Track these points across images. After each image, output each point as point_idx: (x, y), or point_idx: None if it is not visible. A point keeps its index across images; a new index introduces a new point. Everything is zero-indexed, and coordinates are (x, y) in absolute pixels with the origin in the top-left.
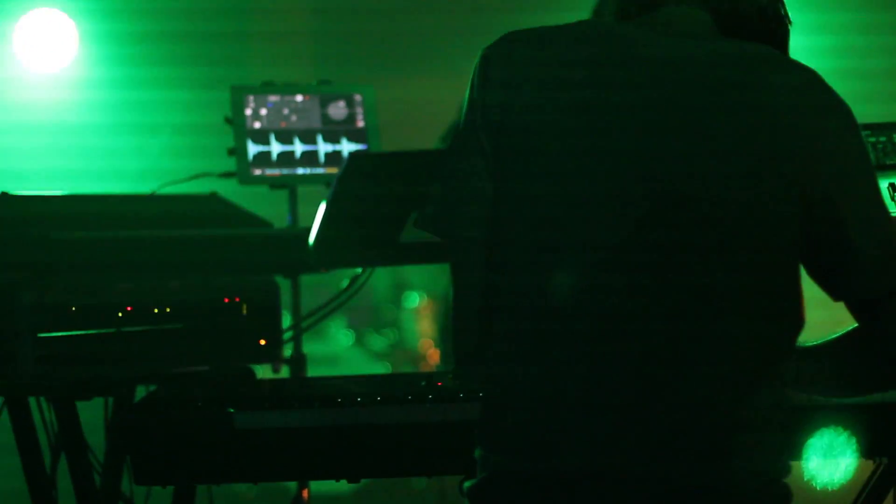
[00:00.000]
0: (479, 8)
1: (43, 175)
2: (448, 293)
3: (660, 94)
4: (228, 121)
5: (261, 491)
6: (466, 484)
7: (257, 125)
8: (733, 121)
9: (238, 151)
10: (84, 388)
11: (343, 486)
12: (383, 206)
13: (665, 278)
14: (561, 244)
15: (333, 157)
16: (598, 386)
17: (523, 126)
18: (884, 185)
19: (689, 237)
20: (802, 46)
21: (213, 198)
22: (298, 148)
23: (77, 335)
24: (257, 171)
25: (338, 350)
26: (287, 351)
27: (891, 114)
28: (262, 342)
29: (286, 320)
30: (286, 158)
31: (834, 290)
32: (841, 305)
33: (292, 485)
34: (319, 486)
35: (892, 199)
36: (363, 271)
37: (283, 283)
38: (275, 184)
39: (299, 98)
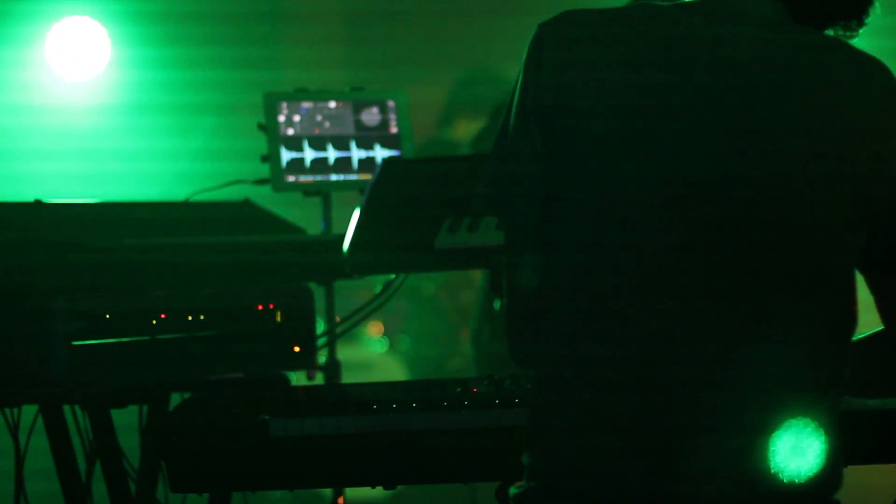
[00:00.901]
0: (513, 12)
1: (77, 182)
2: (485, 293)
3: (718, 84)
4: (262, 127)
5: (295, 498)
6: (512, 490)
7: (291, 132)
8: (797, 118)
9: (271, 158)
10: (119, 396)
11: (378, 492)
12: (417, 211)
13: (720, 286)
14: (612, 246)
15: (367, 164)
16: (650, 401)
17: (576, 110)
18: None
19: (747, 242)
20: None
21: (246, 204)
22: (332, 154)
23: (111, 342)
24: (291, 178)
25: (371, 356)
26: (321, 357)
27: None
28: (297, 349)
29: (320, 327)
30: (320, 165)
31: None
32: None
33: (327, 491)
34: (354, 493)
35: None
36: (396, 277)
37: (317, 290)
38: (308, 190)
39: (332, 104)
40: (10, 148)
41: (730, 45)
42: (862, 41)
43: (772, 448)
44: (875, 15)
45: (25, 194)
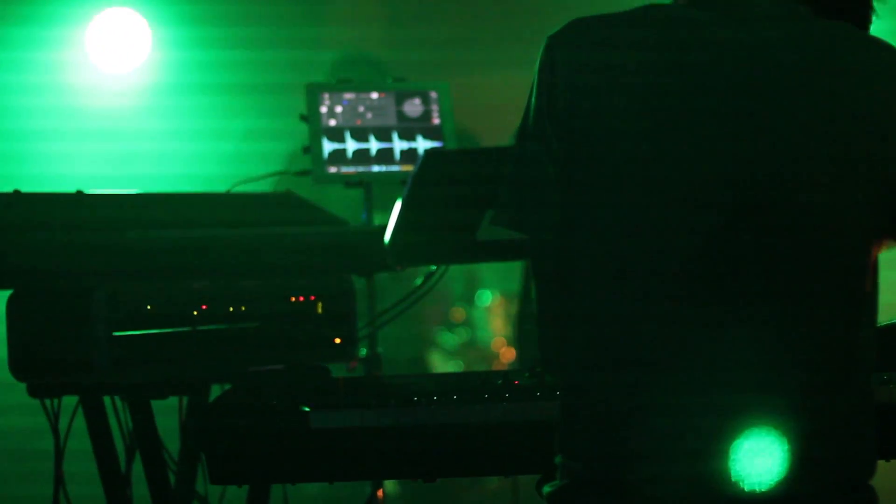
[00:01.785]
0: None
1: (117, 175)
2: (525, 295)
3: (735, 82)
4: (304, 118)
5: (333, 489)
6: (546, 488)
7: (332, 123)
8: (816, 115)
9: (313, 149)
10: (159, 388)
11: (418, 484)
12: (459, 203)
13: (746, 285)
14: (634, 252)
15: (409, 155)
16: (678, 395)
17: (594, 128)
18: None
19: (769, 242)
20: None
21: (288, 196)
22: (374, 145)
23: (152, 334)
24: (332, 169)
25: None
26: (362, 350)
27: None
28: (337, 341)
29: (361, 318)
30: (361, 156)
31: None
32: None
33: (366, 483)
34: (393, 485)
35: None
36: (437, 269)
37: (358, 282)
38: (350, 181)
39: (374, 95)
40: (52, 137)
41: (742, 42)
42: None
43: (732, 453)
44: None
45: (67, 185)
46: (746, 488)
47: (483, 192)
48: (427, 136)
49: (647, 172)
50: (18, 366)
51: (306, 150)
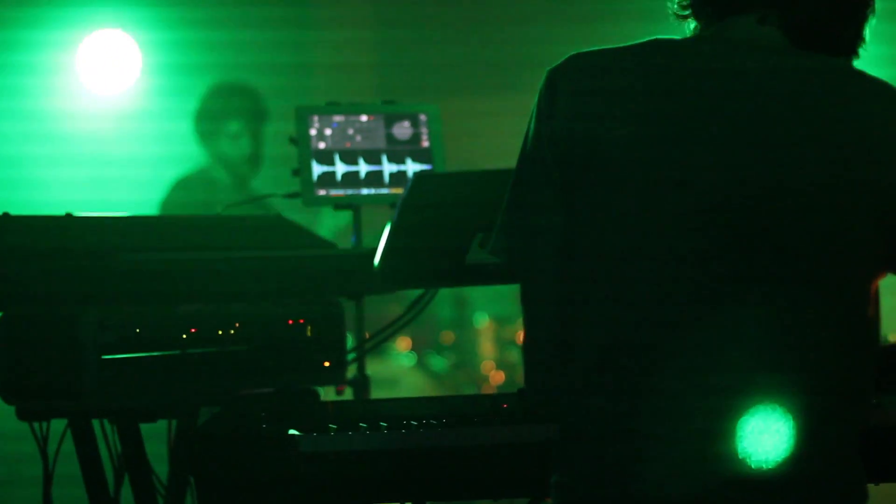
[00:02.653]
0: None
1: (107, 192)
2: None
3: (731, 108)
4: (293, 141)
5: None
6: None
7: (322, 145)
8: (810, 142)
9: (302, 172)
10: (148, 410)
11: None
12: (449, 226)
13: (743, 303)
14: (635, 271)
15: (398, 178)
16: (675, 413)
17: (593, 149)
18: None
19: (766, 259)
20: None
21: (277, 219)
22: (363, 168)
23: (141, 358)
24: (322, 192)
25: (399, 371)
26: (350, 372)
27: None
28: (327, 364)
29: (349, 341)
30: (351, 179)
31: None
32: None
33: None
34: None
35: None
36: (426, 292)
37: (347, 304)
38: (339, 204)
39: (364, 118)
40: (42, 158)
41: (741, 72)
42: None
43: (737, 432)
44: (867, 49)
45: (57, 205)
46: (752, 467)
47: (473, 216)
48: (416, 159)
49: (645, 198)
50: (7, 389)
51: (295, 172)
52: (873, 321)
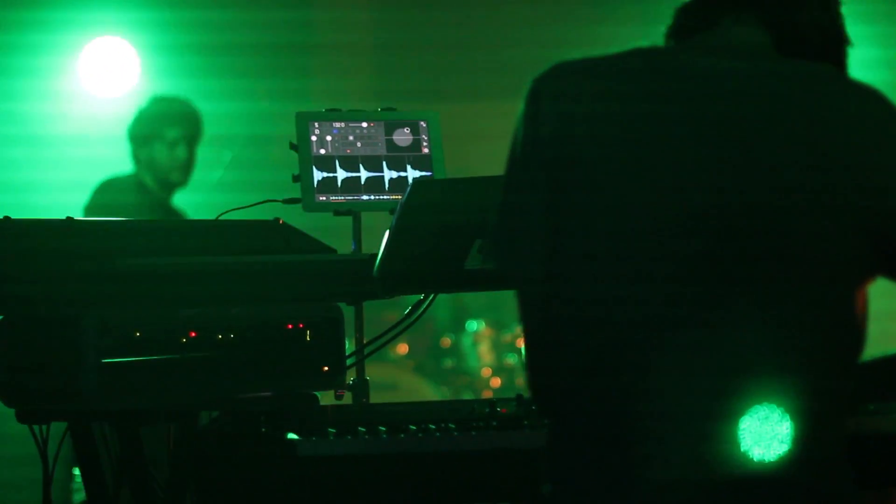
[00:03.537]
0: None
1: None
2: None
3: (716, 113)
4: (293, 147)
5: None
6: None
7: (322, 151)
8: (794, 148)
9: (302, 177)
10: (148, 414)
11: None
12: (448, 232)
13: (724, 290)
14: (621, 274)
15: (398, 184)
16: (667, 415)
17: (578, 155)
18: None
19: (745, 249)
20: (858, 58)
21: (277, 224)
22: (363, 174)
23: (141, 361)
24: (322, 198)
25: (398, 376)
26: (350, 377)
27: None
28: (326, 368)
29: (348, 346)
30: (351, 185)
31: None
32: None
33: None
34: None
35: None
36: (425, 297)
37: (346, 309)
38: (339, 210)
39: (364, 125)
40: (43, 163)
41: (726, 75)
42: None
43: (735, 432)
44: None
45: (58, 211)
46: (746, 469)
47: (472, 222)
48: (416, 166)
49: (631, 200)
50: (7, 392)
51: (296, 178)
52: (861, 325)
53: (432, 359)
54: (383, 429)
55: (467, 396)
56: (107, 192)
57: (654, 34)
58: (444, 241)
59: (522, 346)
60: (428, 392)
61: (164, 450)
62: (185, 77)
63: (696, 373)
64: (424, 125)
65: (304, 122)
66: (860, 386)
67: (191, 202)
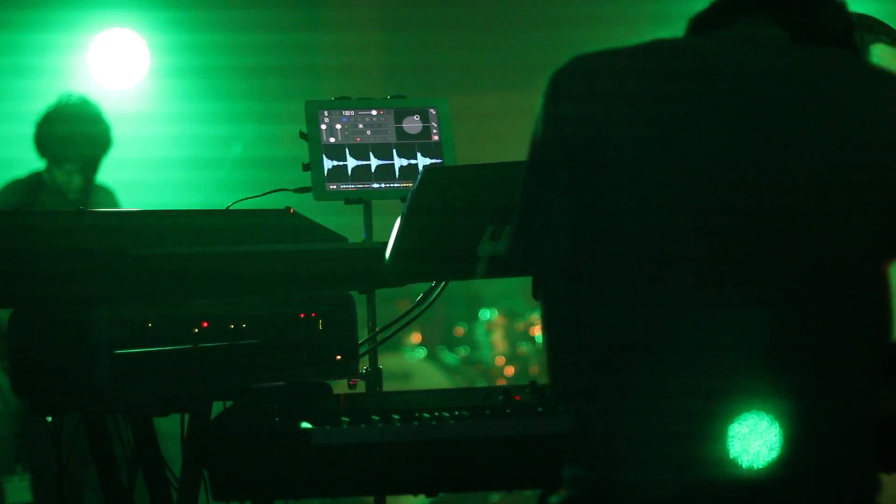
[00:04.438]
0: (553, 20)
1: (119, 190)
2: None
3: (738, 103)
4: (303, 136)
5: None
6: (553, 499)
7: (332, 140)
8: (816, 129)
9: (313, 166)
10: (161, 405)
11: (420, 499)
12: (459, 219)
13: (752, 291)
14: (646, 264)
15: (408, 172)
16: (688, 404)
17: (598, 150)
18: None
19: (773, 249)
20: None
21: (288, 212)
22: (373, 162)
23: (154, 351)
24: (332, 186)
25: (411, 365)
26: (363, 366)
27: None
28: (339, 357)
29: (361, 335)
30: (361, 173)
31: None
32: None
33: (369, 498)
34: (396, 500)
35: None
36: (436, 285)
37: (358, 298)
38: (350, 198)
39: (374, 113)
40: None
41: (742, 67)
42: None
43: (723, 434)
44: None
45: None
46: (737, 471)
47: (483, 209)
48: (426, 153)
49: (653, 197)
50: (21, 383)
51: (306, 167)
52: (885, 309)
53: (445, 347)
54: (397, 417)
55: (481, 385)
56: (6, 194)
57: (669, 34)
58: (456, 229)
59: (545, 346)
60: (441, 381)
61: (178, 446)
62: (194, 75)
63: (690, 371)
64: (434, 112)
65: (313, 111)
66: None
67: (201, 192)
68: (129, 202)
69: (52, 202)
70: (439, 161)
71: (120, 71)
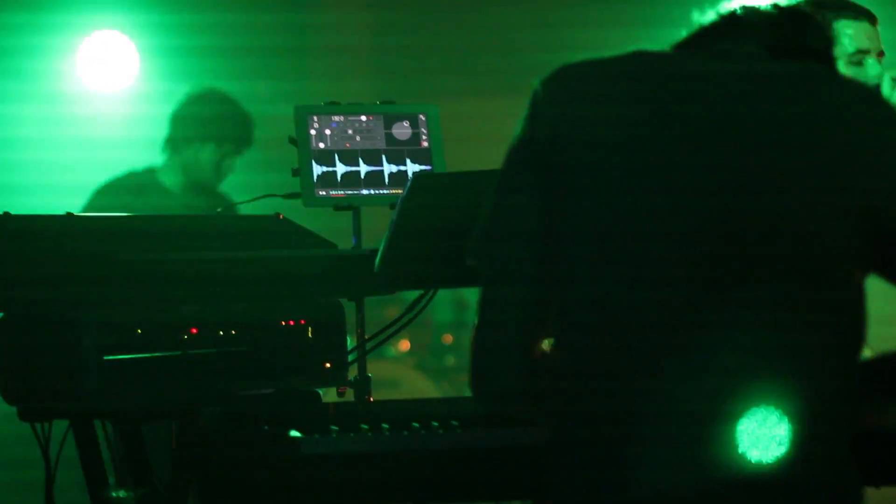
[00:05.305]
0: (543, 25)
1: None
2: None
3: (713, 114)
4: (292, 141)
5: None
6: None
7: (321, 146)
8: (784, 135)
9: (302, 172)
10: (149, 411)
11: None
12: (449, 226)
13: (722, 293)
14: (620, 278)
15: (398, 178)
16: (669, 416)
17: (574, 158)
18: None
19: (744, 251)
20: None
21: (277, 218)
22: (363, 168)
23: (143, 357)
24: (322, 192)
25: (400, 373)
26: (351, 373)
27: None
28: (328, 365)
29: (350, 342)
30: (351, 179)
31: None
32: None
33: None
34: None
35: None
36: (426, 292)
37: (347, 305)
38: (339, 205)
39: (363, 118)
40: (41, 158)
41: (723, 76)
42: None
43: (732, 435)
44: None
45: (57, 206)
46: (745, 471)
47: (473, 216)
48: (416, 160)
49: (629, 203)
50: (9, 390)
51: (295, 172)
52: (862, 324)
53: (434, 355)
54: (386, 426)
55: (469, 393)
56: (107, 195)
57: (660, 36)
58: (445, 236)
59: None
60: (430, 389)
61: (167, 450)
62: (186, 71)
63: (696, 375)
64: (424, 119)
65: (302, 116)
66: (861, 386)
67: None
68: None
69: (161, 204)
70: (429, 168)
71: (109, 74)
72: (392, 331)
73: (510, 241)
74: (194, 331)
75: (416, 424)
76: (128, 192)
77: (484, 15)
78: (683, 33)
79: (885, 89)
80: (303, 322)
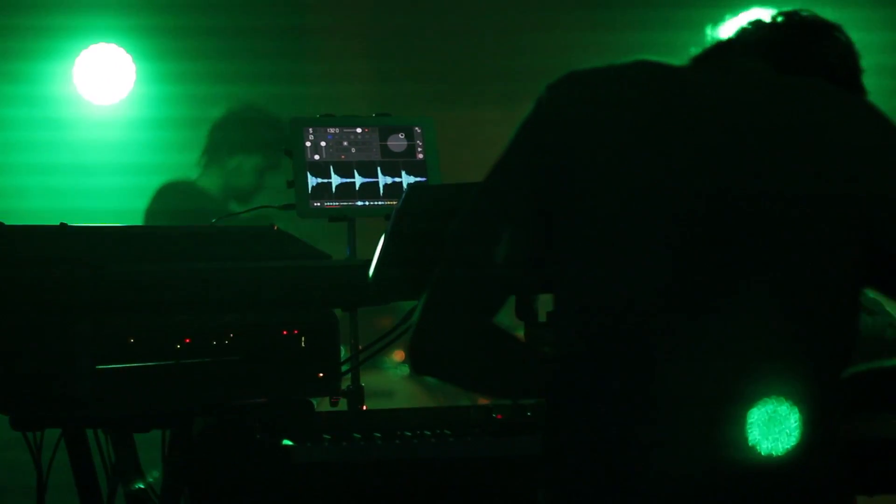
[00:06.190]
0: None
1: (104, 199)
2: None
3: (711, 116)
4: (288, 153)
5: None
6: None
7: (316, 157)
8: (783, 143)
9: (297, 183)
10: (142, 420)
11: None
12: (442, 237)
13: (720, 305)
14: (622, 277)
15: (393, 190)
16: (668, 419)
17: (580, 160)
18: None
19: (744, 250)
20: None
21: (271, 229)
22: (358, 180)
23: (136, 367)
24: (316, 204)
25: (393, 383)
26: (344, 383)
27: None
28: (321, 375)
29: (343, 353)
30: (345, 191)
31: None
32: None
33: None
34: None
35: None
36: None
37: (342, 316)
38: (334, 216)
39: (358, 130)
40: (39, 169)
41: (723, 85)
42: None
43: (742, 420)
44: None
45: (53, 217)
46: (755, 460)
47: None
48: (411, 172)
49: (633, 204)
50: (1, 398)
51: (290, 184)
52: (854, 331)
53: None
54: (378, 435)
55: (464, 403)
56: (166, 197)
57: (656, 39)
58: (440, 247)
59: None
60: (423, 399)
61: (159, 456)
62: (180, 84)
63: (704, 362)
64: (419, 131)
65: (298, 128)
66: (848, 397)
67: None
68: (115, 216)
69: (206, 209)
70: (423, 179)
71: (105, 86)
72: (386, 341)
73: (488, 230)
74: (187, 340)
75: (408, 434)
76: (178, 194)
77: (482, 22)
78: (693, 50)
79: None
80: (296, 332)
